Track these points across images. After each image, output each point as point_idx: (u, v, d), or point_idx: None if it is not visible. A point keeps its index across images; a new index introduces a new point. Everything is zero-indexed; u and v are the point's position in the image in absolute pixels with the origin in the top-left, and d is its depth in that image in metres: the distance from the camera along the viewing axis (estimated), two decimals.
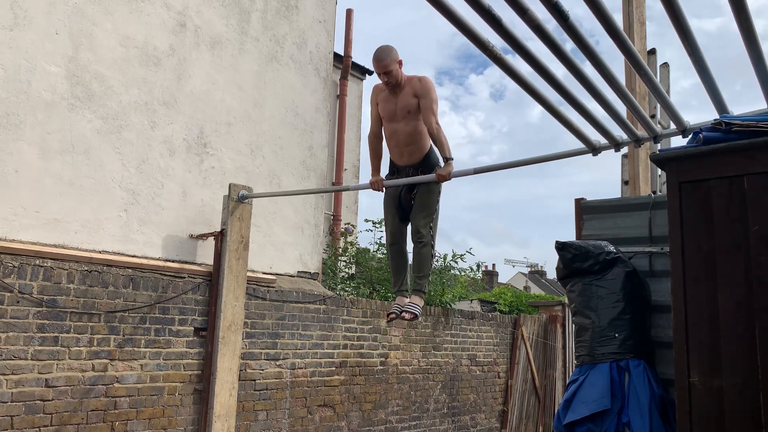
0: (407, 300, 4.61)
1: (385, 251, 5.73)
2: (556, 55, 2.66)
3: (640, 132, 3.75)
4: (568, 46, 2.75)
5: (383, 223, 5.19)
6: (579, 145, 3.85)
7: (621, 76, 3.55)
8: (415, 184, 4.54)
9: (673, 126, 3.61)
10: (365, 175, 12.60)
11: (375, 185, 4.59)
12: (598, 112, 3.39)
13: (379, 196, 4.79)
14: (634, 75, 5.95)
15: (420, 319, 4.77)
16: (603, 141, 3.80)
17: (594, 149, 3.82)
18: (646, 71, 2.95)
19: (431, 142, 4.48)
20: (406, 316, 4.50)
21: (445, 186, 4.56)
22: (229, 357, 5.79)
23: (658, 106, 5.93)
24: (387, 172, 4.70)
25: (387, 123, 4.50)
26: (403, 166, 4.55)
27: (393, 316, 4.58)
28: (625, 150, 6.49)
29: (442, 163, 4.44)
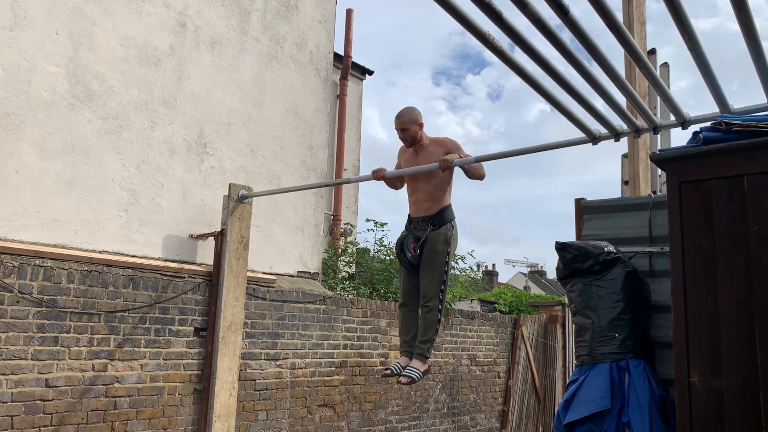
0: (410, 362, 4.46)
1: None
2: (556, 48, 2.66)
3: (640, 123, 3.76)
4: (565, 35, 2.75)
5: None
6: (578, 133, 3.86)
7: (621, 72, 3.56)
8: (419, 238, 4.45)
9: (672, 118, 3.61)
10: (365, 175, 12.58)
11: (376, 173, 4.64)
12: (598, 102, 3.41)
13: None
14: (635, 72, 5.95)
15: (419, 383, 4.57)
16: (603, 130, 3.81)
17: (594, 138, 3.83)
18: (646, 64, 2.96)
19: (449, 200, 4.54)
20: (403, 380, 4.36)
21: None
22: (229, 357, 5.79)
23: (658, 103, 5.92)
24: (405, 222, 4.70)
25: (409, 181, 4.60)
26: (416, 217, 4.55)
27: (388, 372, 4.46)
28: (625, 150, 6.49)
29: (455, 222, 4.50)
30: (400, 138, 4.54)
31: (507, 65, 2.94)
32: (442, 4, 2.40)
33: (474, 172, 4.37)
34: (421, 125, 4.48)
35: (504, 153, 4.33)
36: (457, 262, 10.41)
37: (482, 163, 4.36)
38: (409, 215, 4.64)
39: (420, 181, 4.51)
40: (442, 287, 4.39)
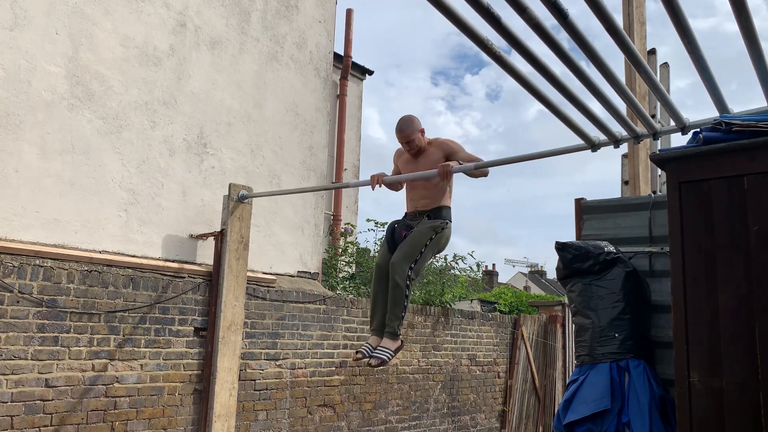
0: (380, 342, 4.36)
1: None
2: (555, 53, 2.65)
3: (640, 129, 3.75)
4: (563, 42, 2.74)
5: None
6: (577, 140, 3.85)
7: (621, 76, 3.55)
8: (411, 227, 4.42)
9: (672, 123, 3.60)
10: (365, 175, 12.59)
11: (374, 178, 4.61)
12: (597, 108, 3.40)
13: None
14: (634, 74, 5.95)
15: (390, 361, 4.37)
16: (602, 137, 3.79)
17: (593, 145, 3.82)
18: (646, 69, 2.95)
19: (449, 202, 4.49)
20: (373, 362, 4.25)
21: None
22: (229, 357, 5.79)
23: (658, 105, 5.92)
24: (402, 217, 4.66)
25: (409, 191, 4.56)
26: (412, 212, 4.53)
27: (359, 356, 4.33)
28: (625, 150, 6.49)
29: (450, 223, 4.44)
30: (406, 150, 4.51)
31: (505, 71, 2.93)
32: (441, 9, 2.39)
33: (477, 173, 4.37)
34: (422, 131, 4.47)
35: (503, 160, 4.35)
36: (457, 263, 10.41)
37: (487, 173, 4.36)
38: (405, 212, 4.61)
39: (418, 182, 4.49)
40: (413, 265, 4.28)
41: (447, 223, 4.43)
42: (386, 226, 4.68)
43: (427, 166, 4.42)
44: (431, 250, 4.40)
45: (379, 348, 4.29)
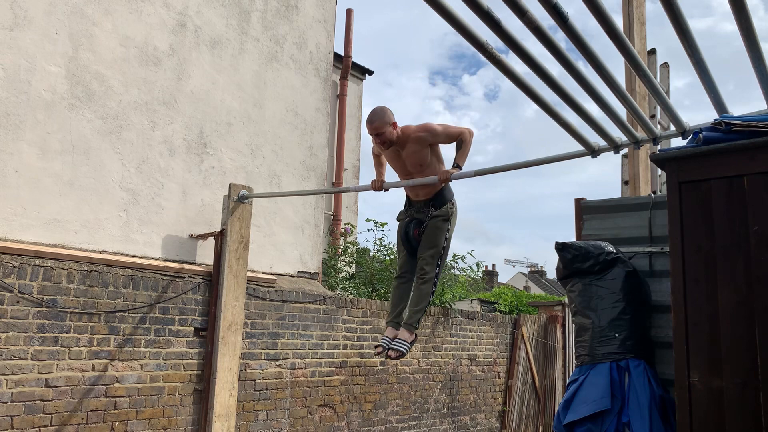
0: (397, 333, 4.42)
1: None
2: (555, 57, 2.65)
3: (640, 134, 3.74)
4: (563, 44, 2.74)
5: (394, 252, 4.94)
6: (577, 145, 3.84)
7: (620, 76, 3.54)
8: (422, 222, 4.46)
9: (672, 127, 3.60)
10: (365, 175, 12.60)
11: (375, 184, 4.62)
12: (596, 113, 3.39)
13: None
14: (634, 76, 5.95)
15: (407, 356, 4.53)
16: (602, 143, 3.78)
17: (593, 151, 3.81)
18: (646, 73, 2.94)
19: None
20: (392, 354, 4.32)
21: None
22: (229, 357, 5.79)
23: (658, 106, 5.93)
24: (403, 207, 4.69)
25: (401, 176, 4.53)
26: (417, 201, 4.54)
27: (380, 349, 4.39)
28: (624, 150, 6.49)
29: (454, 200, 4.49)
30: (376, 143, 4.41)
31: (506, 76, 2.92)
32: (442, 13, 2.39)
33: (464, 143, 4.33)
34: (394, 125, 4.32)
35: (503, 167, 4.36)
36: (457, 262, 10.41)
37: (470, 135, 4.33)
38: (408, 197, 4.61)
39: (414, 175, 4.43)
40: (439, 261, 4.41)
41: (452, 202, 4.48)
42: (398, 232, 4.66)
43: (416, 160, 4.37)
44: (451, 234, 4.50)
45: (396, 340, 4.36)
